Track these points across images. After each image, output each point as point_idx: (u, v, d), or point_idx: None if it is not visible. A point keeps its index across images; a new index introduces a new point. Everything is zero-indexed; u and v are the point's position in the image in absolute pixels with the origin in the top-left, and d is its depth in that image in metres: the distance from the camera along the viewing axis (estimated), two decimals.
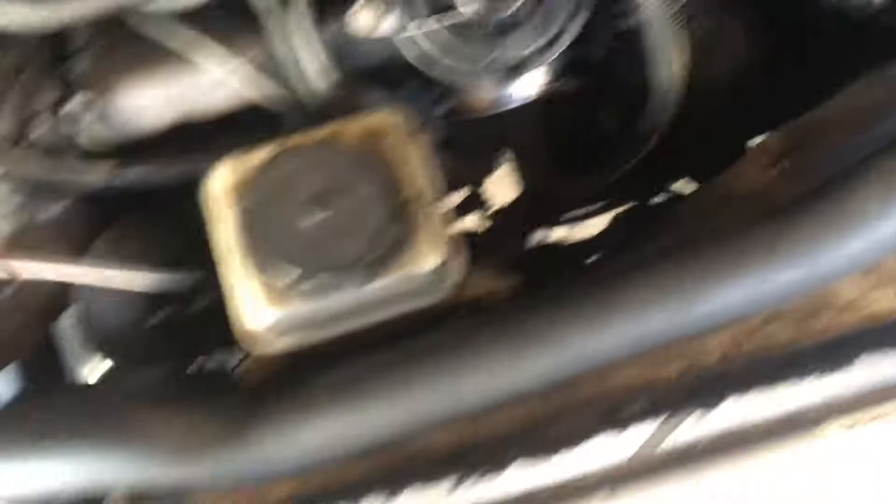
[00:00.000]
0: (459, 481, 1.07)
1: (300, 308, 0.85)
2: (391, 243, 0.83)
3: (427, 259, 0.84)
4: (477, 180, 1.13)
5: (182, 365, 1.05)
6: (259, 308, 0.86)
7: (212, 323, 1.10)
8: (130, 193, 1.04)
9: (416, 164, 0.87)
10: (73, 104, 0.91)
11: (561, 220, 1.49)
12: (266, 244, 0.84)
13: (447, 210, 0.88)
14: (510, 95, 1.01)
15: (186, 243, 1.04)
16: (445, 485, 1.07)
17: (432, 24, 0.91)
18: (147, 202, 1.08)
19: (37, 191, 0.97)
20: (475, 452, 1.02)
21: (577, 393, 0.98)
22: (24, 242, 0.97)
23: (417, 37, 0.93)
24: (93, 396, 0.92)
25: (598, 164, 1.24)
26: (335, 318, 0.87)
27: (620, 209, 1.44)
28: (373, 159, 0.85)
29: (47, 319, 0.99)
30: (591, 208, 1.50)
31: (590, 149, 1.26)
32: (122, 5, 0.90)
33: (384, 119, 0.89)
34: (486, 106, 1.01)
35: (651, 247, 1.10)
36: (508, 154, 1.14)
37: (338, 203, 0.83)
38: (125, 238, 0.98)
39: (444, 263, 0.85)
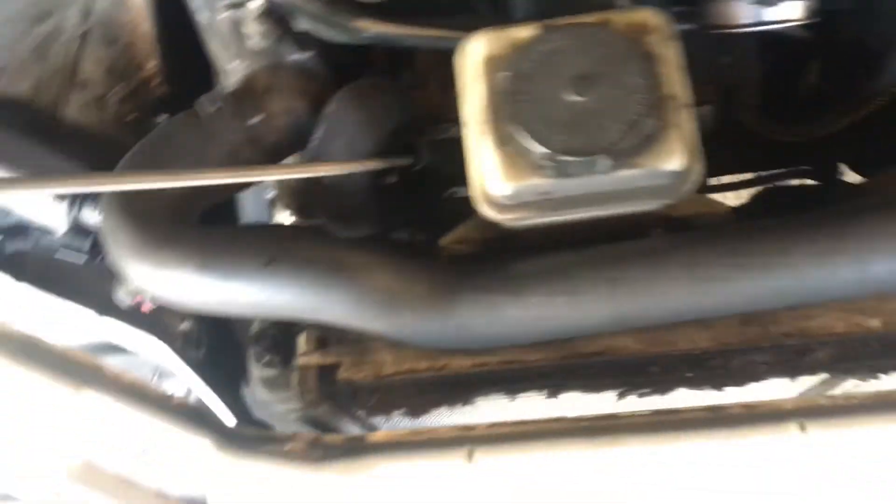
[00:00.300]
0: (623, 395, 1.09)
1: (538, 185, 0.87)
2: (645, 136, 0.84)
3: (675, 158, 0.84)
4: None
5: (388, 230, 1.08)
6: (496, 179, 0.88)
7: (420, 194, 1.13)
8: (372, 54, 1.07)
9: (675, 65, 0.88)
10: None
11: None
12: (516, 118, 0.86)
13: (694, 116, 0.89)
14: (758, 20, 1.00)
15: (413, 113, 1.07)
16: (610, 394, 1.10)
17: None
18: (382, 67, 1.11)
19: (287, 35, 1.00)
20: (651, 367, 1.04)
21: (772, 329, 0.98)
22: (270, 81, 1.01)
23: None
24: (314, 236, 0.96)
25: (806, 116, 1.23)
26: (569, 202, 0.89)
27: (770, 185, 1.42)
28: (638, 51, 0.85)
29: (274, 159, 1.03)
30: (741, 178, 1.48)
31: (800, 100, 1.25)
32: None
33: (649, 17, 0.89)
34: (732, 24, 1.00)
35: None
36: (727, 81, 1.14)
37: (598, 88, 0.84)
38: (360, 96, 1.00)
39: (688, 167, 0.86)
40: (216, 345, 1.54)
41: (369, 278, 0.91)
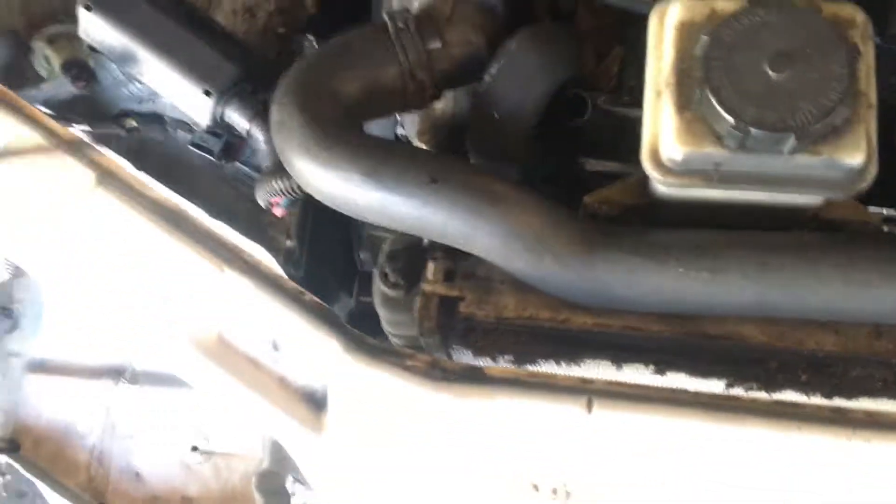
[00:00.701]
0: (730, 386, 1.09)
1: (712, 154, 0.87)
2: (833, 126, 0.84)
3: (859, 153, 0.84)
4: None
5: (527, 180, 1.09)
6: (671, 141, 0.88)
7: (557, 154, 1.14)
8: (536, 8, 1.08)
9: (870, 65, 0.88)
10: None
11: None
12: (708, 82, 0.85)
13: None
14: None
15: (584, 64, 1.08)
16: (717, 383, 1.10)
17: None
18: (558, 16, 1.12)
19: None
20: (770, 362, 1.03)
21: None
22: (453, 12, 1.02)
23: None
24: (473, 165, 0.97)
25: None
26: (737, 178, 0.88)
27: None
28: (845, 42, 0.85)
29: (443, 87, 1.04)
30: None
31: None
32: None
33: (856, 14, 0.89)
34: None
35: None
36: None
37: (798, 68, 0.84)
38: (542, 38, 1.01)
39: (866, 165, 0.86)
40: (313, 269, 1.58)
41: (521, 216, 0.92)
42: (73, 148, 0.99)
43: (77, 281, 1.00)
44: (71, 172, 0.97)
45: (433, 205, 0.90)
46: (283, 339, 0.94)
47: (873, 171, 0.88)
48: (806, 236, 0.94)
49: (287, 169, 0.95)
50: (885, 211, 1.33)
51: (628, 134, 1.14)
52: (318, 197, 0.94)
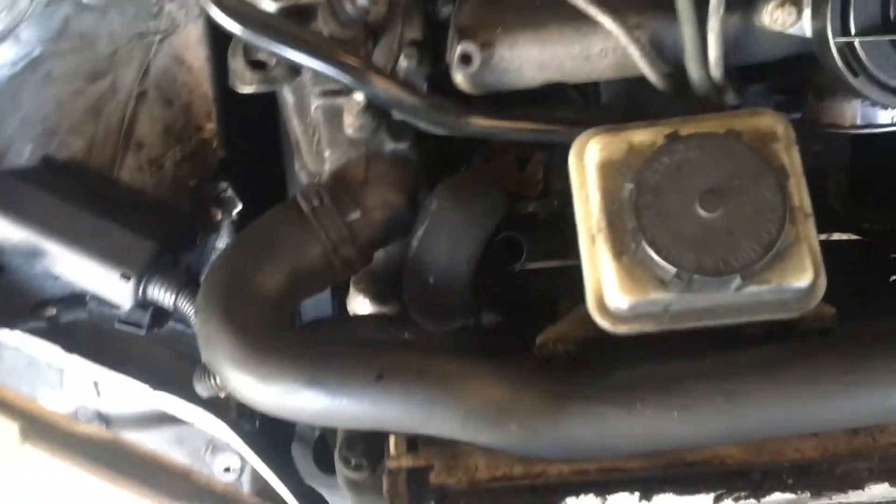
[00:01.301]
0: (719, 499, 1.06)
1: (659, 299, 0.83)
2: (778, 251, 0.81)
3: (806, 274, 0.82)
4: None
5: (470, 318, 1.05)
6: (614, 291, 0.84)
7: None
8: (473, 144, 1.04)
9: (799, 174, 0.85)
10: (466, 47, 0.90)
11: None
12: (642, 233, 0.82)
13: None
14: (870, 122, 0.97)
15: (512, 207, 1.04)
16: (705, 498, 1.06)
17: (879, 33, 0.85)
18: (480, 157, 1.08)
19: (383, 124, 0.97)
20: (753, 474, 1.00)
21: (880, 439, 0.95)
22: (366, 174, 0.97)
23: (846, 44, 0.87)
24: (418, 347, 0.92)
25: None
26: (687, 315, 0.85)
27: None
28: (770, 166, 0.82)
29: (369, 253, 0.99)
30: None
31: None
32: None
33: (775, 124, 0.86)
34: (841, 125, 0.97)
35: None
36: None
37: (729, 204, 0.81)
38: (463, 194, 0.97)
39: (815, 282, 0.83)
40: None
41: (478, 394, 0.87)
42: None
43: None
44: None
45: (384, 402, 0.85)
46: None
47: (822, 285, 0.85)
48: (768, 352, 0.90)
49: (223, 382, 0.89)
50: None
51: (563, 229, 1.11)
52: (260, 410, 0.88)
